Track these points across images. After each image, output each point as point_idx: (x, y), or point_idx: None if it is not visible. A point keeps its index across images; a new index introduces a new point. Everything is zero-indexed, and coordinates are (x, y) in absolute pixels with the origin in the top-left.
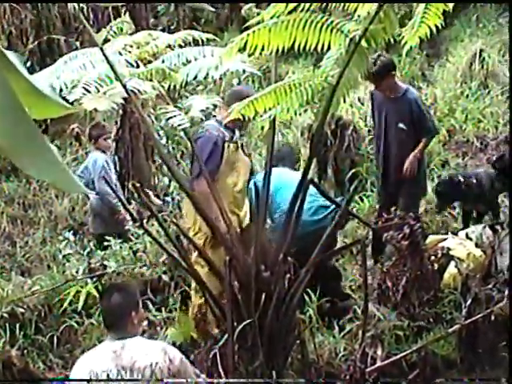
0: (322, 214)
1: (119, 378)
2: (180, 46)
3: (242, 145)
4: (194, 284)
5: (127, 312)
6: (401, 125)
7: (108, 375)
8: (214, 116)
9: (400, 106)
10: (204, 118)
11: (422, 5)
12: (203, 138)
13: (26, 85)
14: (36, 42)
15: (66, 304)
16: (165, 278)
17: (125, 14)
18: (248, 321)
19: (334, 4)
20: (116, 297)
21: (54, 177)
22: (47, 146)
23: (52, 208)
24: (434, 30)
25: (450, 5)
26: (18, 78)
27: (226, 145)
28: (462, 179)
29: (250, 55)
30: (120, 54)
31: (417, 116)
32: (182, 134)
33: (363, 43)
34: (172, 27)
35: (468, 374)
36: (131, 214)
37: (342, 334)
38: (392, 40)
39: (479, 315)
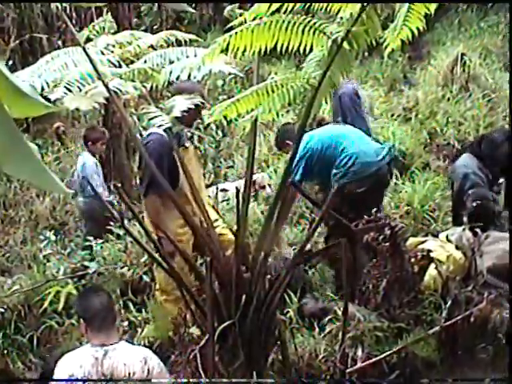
0: (381, 155)
1: None
2: (162, 47)
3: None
4: (158, 284)
5: (113, 315)
6: None
7: (88, 381)
8: None
9: None
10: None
11: (405, 7)
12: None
13: (5, 83)
14: (18, 41)
15: (46, 304)
16: (145, 278)
17: (107, 13)
18: (228, 322)
19: (316, 5)
20: (102, 299)
21: (34, 176)
22: (27, 146)
23: (33, 207)
24: (416, 32)
25: (432, 8)
26: None
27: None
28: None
29: (234, 56)
30: (102, 53)
31: None
32: None
33: (345, 45)
34: (155, 27)
35: (448, 375)
36: (113, 214)
37: (323, 334)
38: (374, 42)
39: (459, 317)
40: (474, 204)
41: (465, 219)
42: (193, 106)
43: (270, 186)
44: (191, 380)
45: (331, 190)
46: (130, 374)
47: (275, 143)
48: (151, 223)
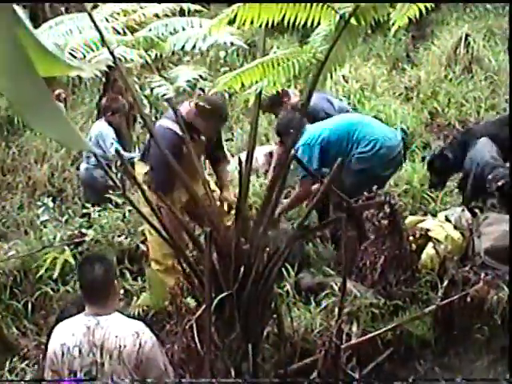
0: (399, 138)
1: (90, 354)
2: (167, 16)
3: None
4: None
5: (108, 285)
6: None
7: (80, 350)
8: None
9: None
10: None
11: None
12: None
13: (33, 41)
14: (20, 6)
15: (42, 270)
16: (142, 247)
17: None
18: (226, 293)
19: None
20: (98, 269)
21: (61, 134)
22: (55, 104)
23: (31, 173)
24: (424, 11)
25: None
26: (26, 33)
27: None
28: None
29: (238, 28)
30: (107, 20)
31: None
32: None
33: (353, 21)
34: None
35: (442, 354)
36: (114, 182)
37: (319, 309)
38: (379, 19)
39: (455, 297)
40: (500, 183)
41: (491, 201)
42: (197, 76)
43: None
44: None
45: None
46: (120, 346)
47: (276, 132)
48: (153, 192)
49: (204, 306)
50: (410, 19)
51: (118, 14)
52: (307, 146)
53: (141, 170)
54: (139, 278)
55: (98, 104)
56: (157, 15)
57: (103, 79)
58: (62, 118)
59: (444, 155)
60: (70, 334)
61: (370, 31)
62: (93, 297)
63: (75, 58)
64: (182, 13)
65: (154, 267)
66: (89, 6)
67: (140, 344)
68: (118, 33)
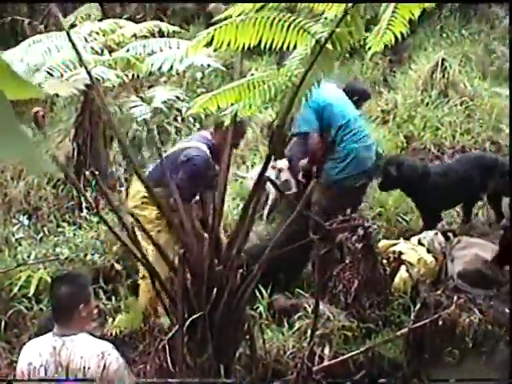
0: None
1: (56, 375)
2: (145, 36)
3: None
4: (141, 273)
5: (75, 305)
6: None
7: (46, 370)
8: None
9: None
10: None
11: (388, 11)
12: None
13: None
14: None
15: (16, 288)
16: (117, 266)
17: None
18: (199, 314)
19: (302, 5)
20: (65, 288)
21: (27, 156)
22: (20, 127)
23: (7, 190)
24: (399, 37)
25: (416, 13)
26: None
27: None
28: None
29: (214, 50)
30: (86, 40)
31: None
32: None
33: (329, 45)
34: (138, 16)
35: (414, 377)
36: (87, 201)
37: (292, 331)
38: (357, 44)
39: (427, 320)
40: None
41: None
42: (173, 97)
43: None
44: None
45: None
46: (85, 367)
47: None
48: (155, 202)
49: (176, 327)
50: (387, 44)
51: (97, 33)
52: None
53: (141, 188)
54: (113, 298)
55: (76, 122)
56: (135, 35)
57: (81, 98)
58: (26, 142)
59: (399, 163)
60: (37, 354)
61: (347, 54)
62: (60, 317)
63: (52, 76)
64: (160, 33)
65: (143, 284)
66: (67, 24)
67: (105, 365)
68: (97, 52)
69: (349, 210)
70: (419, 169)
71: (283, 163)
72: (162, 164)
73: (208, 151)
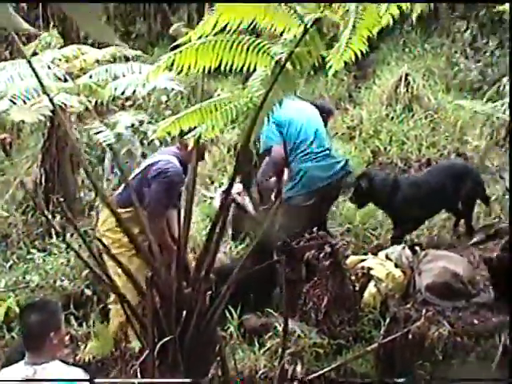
0: (333, 170)
1: None
2: (108, 61)
3: None
4: (112, 297)
5: (45, 333)
6: None
7: None
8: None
9: None
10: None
11: (348, 30)
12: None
13: None
14: None
15: None
16: (87, 292)
17: (55, 27)
18: (169, 337)
19: (262, 25)
20: (35, 316)
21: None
22: None
23: None
24: (359, 54)
25: (375, 31)
26: None
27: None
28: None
29: (178, 73)
30: (49, 67)
31: None
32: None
33: (288, 66)
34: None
35: None
36: (54, 228)
37: (263, 350)
38: (320, 61)
39: (397, 334)
40: None
41: None
42: (137, 122)
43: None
44: None
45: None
46: None
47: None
48: (122, 227)
49: (147, 351)
50: (348, 62)
51: (60, 60)
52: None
53: (107, 215)
54: (84, 324)
55: (43, 148)
56: (98, 61)
57: (48, 124)
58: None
59: (370, 177)
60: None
61: (312, 72)
62: (31, 345)
63: (15, 104)
64: (123, 57)
65: (114, 309)
66: (30, 51)
67: None
68: (60, 79)
69: (315, 228)
70: (390, 181)
71: (237, 187)
72: (130, 184)
73: (178, 164)
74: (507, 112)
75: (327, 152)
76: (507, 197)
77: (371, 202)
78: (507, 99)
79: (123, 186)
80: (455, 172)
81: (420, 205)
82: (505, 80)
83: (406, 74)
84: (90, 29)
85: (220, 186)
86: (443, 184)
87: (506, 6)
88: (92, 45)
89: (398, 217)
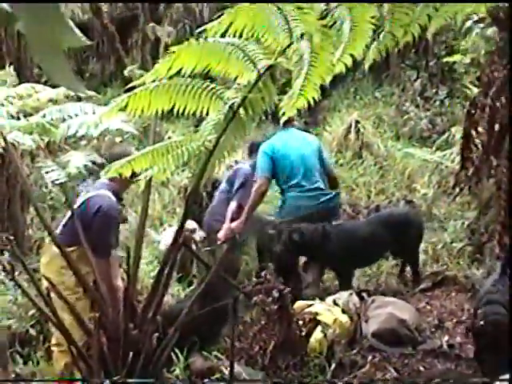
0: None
1: None
2: (62, 101)
3: None
4: (54, 340)
5: None
6: None
7: None
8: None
9: None
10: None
11: (301, 78)
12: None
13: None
14: None
15: None
16: (32, 331)
17: (10, 65)
18: (115, 378)
19: (216, 71)
20: None
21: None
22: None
23: None
24: (312, 101)
25: (328, 79)
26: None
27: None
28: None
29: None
30: (2, 105)
31: None
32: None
33: (241, 111)
34: None
35: None
36: (3, 265)
37: None
38: (272, 107)
39: (343, 379)
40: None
41: None
42: (89, 162)
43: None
44: None
45: None
46: None
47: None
48: (70, 267)
49: None
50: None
51: (14, 97)
52: (263, 154)
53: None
54: (30, 362)
55: None
56: (51, 100)
57: None
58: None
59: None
60: None
61: (263, 117)
62: None
63: None
64: (77, 97)
65: (56, 350)
66: None
67: None
68: (13, 117)
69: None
70: (320, 232)
71: (191, 224)
72: (69, 222)
73: (114, 197)
74: (456, 160)
75: (316, 185)
76: (454, 244)
77: (304, 255)
78: (456, 148)
79: (62, 225)
80: (392, 221)
81: (349, 253)
82: (453, 130)
83: (357, 121)
84: (58, 77)
85: (165, 230)
86: (375, 232)
87: (456, 57)
88: (46, 81)
89: (332, 266)
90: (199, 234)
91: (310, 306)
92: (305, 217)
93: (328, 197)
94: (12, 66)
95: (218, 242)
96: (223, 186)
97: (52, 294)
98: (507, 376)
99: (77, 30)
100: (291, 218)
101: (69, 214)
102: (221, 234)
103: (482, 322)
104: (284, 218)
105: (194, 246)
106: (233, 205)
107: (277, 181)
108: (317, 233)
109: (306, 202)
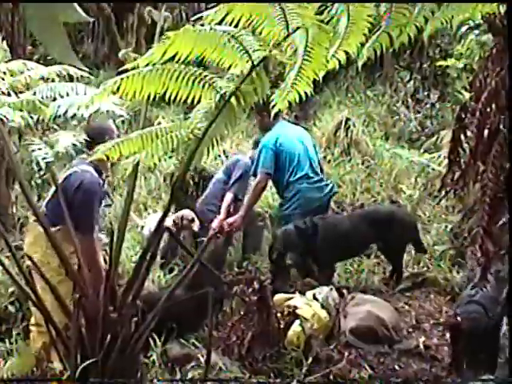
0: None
1: None
2: (53, 80)
3: None
4: (33, 320)
5: None
6: None
7: None
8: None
9: None
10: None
11: (294, 71)
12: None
13: None
14: None
15: None
16: (11, 308)
17: (2, 40)
18: (92, 360)
19: (210, 59)
20: None
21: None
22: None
23: None
24: (304, 96)
25: (321, 74)
26: None
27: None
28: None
29: (121, 97)
30: None
31: None
32: None
33: (233, 101)
34: (49, 57)
35: None
36: None
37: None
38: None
39: (318, 374)
40: None
41: None
42: (77, 142)
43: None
44: None
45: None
46: None
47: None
48: (54, 247)
49: (68, 373)
50: (297, 98)
51: (5, 73)
52: (266, 148)
53: (39, 232)
54: (7, 340)
55: None
56: (43, 78)
57: None
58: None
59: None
60: None
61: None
62: None
63: None
64: (69, 77)
65: (35, 330)
66: None
67: None
68: (3, 93)
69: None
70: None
71: (189, 214)
72: (54, 201)
73: (95, 173)
74: (443, 164)
75: (320, 176)
76: (436, 247)
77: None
78: (443, 152)
79: (44, 204)
80: (376, 217)
81: (333, 246)
82: (442, 133)
83: (347, 119)
84: (55, 50)
85: (149, 215)
86: (359, 228)
87: (450, 61)
88: (39, 59)
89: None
90: (197, 224)
91: (290, 299)
92: (315, 209)
93: (329, 188)
94: (5, 42)
95: (210, 232)
96: (220, 175)
97: (34, 274)
98: (485, 377)
99: (78, 7)
100: (302, 210)
101: (51, 192)
102: (215, 225)
103: (458, 318)
104: (295, 211)
105: (192, 236)
106: (228, 196)
107: (281, 175)
108: (324, 225)
109: (316, 194)
